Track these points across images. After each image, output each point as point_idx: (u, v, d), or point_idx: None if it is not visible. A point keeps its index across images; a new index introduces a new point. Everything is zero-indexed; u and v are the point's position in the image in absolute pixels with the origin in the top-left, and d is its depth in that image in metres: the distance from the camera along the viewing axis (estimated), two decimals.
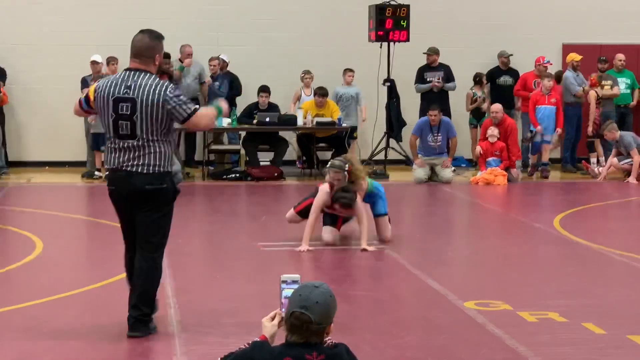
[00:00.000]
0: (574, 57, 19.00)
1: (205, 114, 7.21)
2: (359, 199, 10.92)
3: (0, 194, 15.37)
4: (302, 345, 4.28)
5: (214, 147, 18.58)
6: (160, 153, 7.06)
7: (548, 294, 8.73)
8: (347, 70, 19.10)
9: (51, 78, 18.69)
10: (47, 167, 18.82)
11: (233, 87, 18.86)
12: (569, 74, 18.97)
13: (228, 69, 18.99)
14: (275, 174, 17.45)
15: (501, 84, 19.71)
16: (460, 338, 7.33)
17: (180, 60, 18.96)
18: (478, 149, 17.62)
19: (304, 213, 11.13)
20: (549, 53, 19.82)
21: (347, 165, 10.84)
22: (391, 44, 18.13)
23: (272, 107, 18.20)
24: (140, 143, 7.01)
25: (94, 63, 18.03)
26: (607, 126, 17.74)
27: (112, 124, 7.05)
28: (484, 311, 8.00)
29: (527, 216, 13.70)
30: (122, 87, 7.01)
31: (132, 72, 7.07)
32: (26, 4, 19.03)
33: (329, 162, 11.24)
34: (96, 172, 17.42)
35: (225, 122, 17.44)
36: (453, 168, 18.21)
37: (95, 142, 17.31)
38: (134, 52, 7.12)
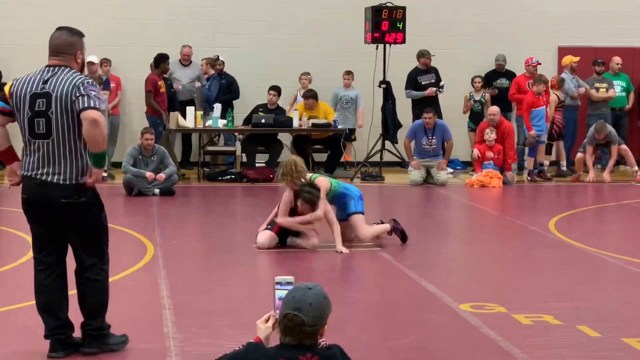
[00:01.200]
0: (572, 58, 19.02)
1: (104, 124, 6.52)
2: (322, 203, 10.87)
3: None
4: (296, 346, 4.28)
5: (209, 148, 18.57)
6: (78, 160, 6.52)
7: (543, 297, 8.73)
8: (345, 73, 19.12)
9: None
10: None
11: (232, 90, 18.85)
12: (565, 76, 18.98)
13: (225, 70, 18.96)
14: (271, 176, 17.43)
15: (498, 86, 19.72)
16: (455, 340, 7.33)
17: (180, 61, 18.97)
18: (475, 151, 17.62)
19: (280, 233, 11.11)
20: (545, 56, 19.86)
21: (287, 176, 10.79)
22: (387, 45, 18.13)
23: (279, 109, 18.23)
24: (55, 144, 6.49)
25: (89, 64, 18.00)
26: (600, 128, 17.74)
27: (27, 123, 6.54)
28: (479, 314, 8.00)
29: (522, 219, 13.71)
30: (40, 83, 6.56)
31: (52, 68, 6.64)
32: (22, 5, 19.02)
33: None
34: None
35: (221, 123, 17.45)
36: (450, 170, 18.21)
37: None
38: (52, 49, 6.71)
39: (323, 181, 11.05)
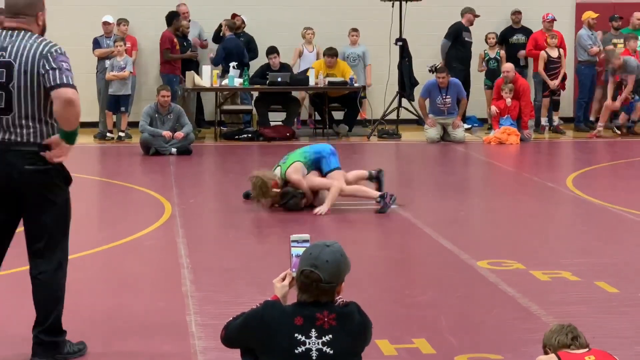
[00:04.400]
0: (590, 14, 18.86)
1: (77, 102, 5.64)
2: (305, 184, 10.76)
3: None
4: (312, 304, 4.29)
5: (226, 107, 18.55)
6: (47, 128, 5.71)
7: (561, 253, 8.73)
8: (352, 30, 19.04)
9: (64, 38, 18.51)
10: None
11: (251, 49, 18.74)
12: (583, 33, 18.85)
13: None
14: (287, 134, 17.42)
15: (514, 42, 19.58)
16: (473, 297, 7.34)
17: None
18: (493, 108, 17.53)
19: None
20: (562, 11, 19.70)
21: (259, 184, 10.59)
22: (403, 2, 18.01)
23: (284, 67, 18.14)
24: (16, 120, 5.67)
25: (105, 24, 18.01)
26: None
27: None
28: (497, 270, 8.00)
29: (540, 175, 13.66)
30: None
31: (10, 32, 5.76)
32: None
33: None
34: (108, 134, 17.43)
35: (237, 82, 17.41)
36: (467, 126, 18.14)
37: (112, 103, 17.29)
38: (9, 9, 5.80)
39: (294, 170, 10.79)
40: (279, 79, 17.43)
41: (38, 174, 5.67)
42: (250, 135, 17.53)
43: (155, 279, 7.93)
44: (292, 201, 10.67)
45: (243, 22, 18.76)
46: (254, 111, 18.43)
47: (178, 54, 17.72)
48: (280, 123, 18.09)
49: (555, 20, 18.93)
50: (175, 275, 7.83)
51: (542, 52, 18.47)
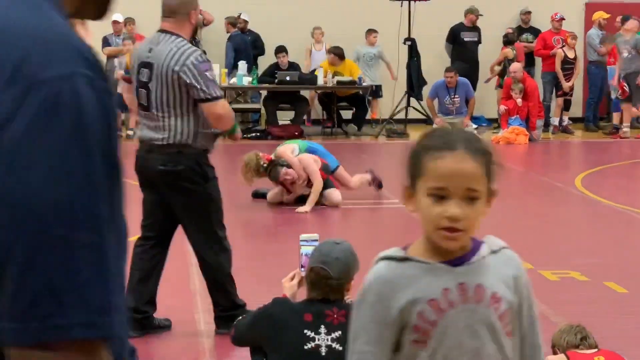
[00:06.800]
0: (602, 14, 18.83)
1: (229, 109, 6.31)
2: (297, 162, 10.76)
3: None
4: (321, 301, 4.29)
5: (234, 106, 18.55)
6: (182, 127, 6.06)
7: (570, 253, 8.71)
8: (372, 31, 18.99)
9: None
10: None
11: (257, 47, 18.80)
12: (593, 32, 18.81)
13: (249, 27, 18.94)
14: (296, 133, 17.42)
15: (522, 42, 19.55)
16: None
17: None
18: (502, 108, 17.49)
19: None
20: (572, 11, 19.68)
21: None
22: (412, 2, 18.01)
23: (293, 67, 18.15)
24: (154, 118, 6.08)
25: (115, 22, 18.03)
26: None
27: (136, 92, 6.22)
28: None
29: (548, 175, 13.65)
30: (147, 49, 6.13)
31: (160, 34, 6.13)
32: None
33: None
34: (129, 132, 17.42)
35: (246, 81, 17.42)
36: (475, 126, 18.13)
37: (121, 102, 17.28)
38: (166, 9, 6.12)
39: (283, 146, 11.07)
40: (288, 78, 17.45)
41: (168, 175, 6.07)
42: (258, 134, 17.53)
43: (162, 277, 7.90)
44: (274, 169, 10.61)
45: (244, 21, 18.79)
46: (262, 110, 18.45)
47: None
48: (288, 122, 18.10)
49: (564, 19, 18.91)
50: (183, 273, 7.82)
51: (559, 51, 18.40)
